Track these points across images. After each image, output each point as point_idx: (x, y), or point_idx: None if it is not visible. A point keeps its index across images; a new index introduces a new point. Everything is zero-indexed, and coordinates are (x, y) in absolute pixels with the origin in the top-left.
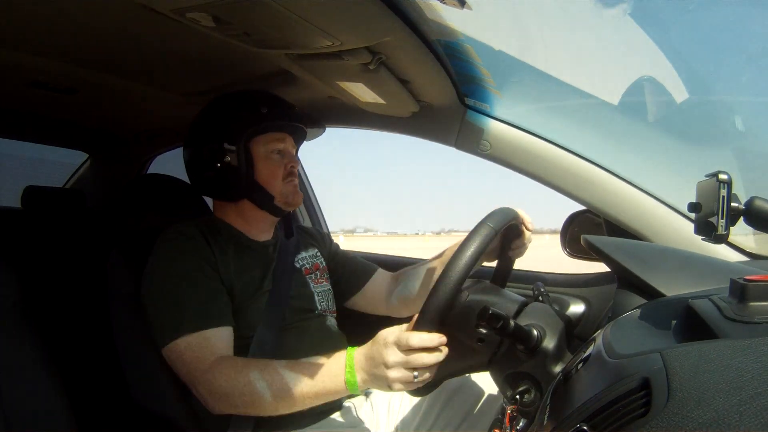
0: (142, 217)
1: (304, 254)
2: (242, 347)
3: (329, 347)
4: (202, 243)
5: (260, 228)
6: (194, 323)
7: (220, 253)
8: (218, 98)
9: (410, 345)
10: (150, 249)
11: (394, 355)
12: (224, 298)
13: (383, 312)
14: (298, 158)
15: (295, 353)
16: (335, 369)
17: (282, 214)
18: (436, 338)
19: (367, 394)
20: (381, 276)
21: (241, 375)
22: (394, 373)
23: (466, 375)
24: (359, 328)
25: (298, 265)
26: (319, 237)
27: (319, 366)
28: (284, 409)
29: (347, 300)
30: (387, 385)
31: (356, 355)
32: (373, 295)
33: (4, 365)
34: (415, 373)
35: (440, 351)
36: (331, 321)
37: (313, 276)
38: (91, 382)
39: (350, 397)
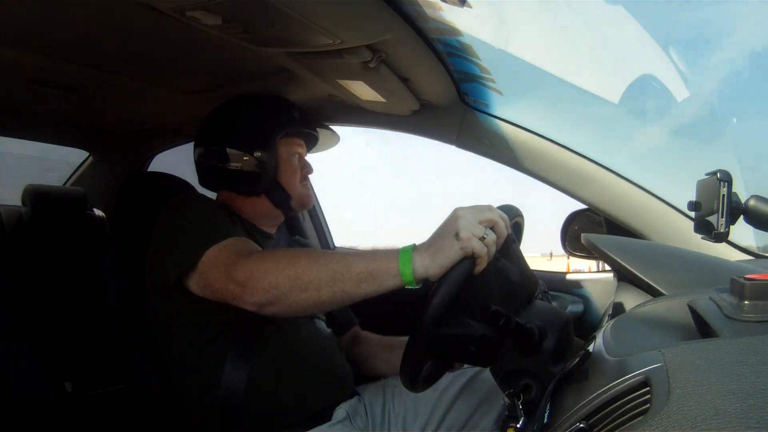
0: (140, 214)
1: None
2: (224, 336)
3: (328, 350)
4: (217, 208)
5: (266, 223)
6: (226, 233)
7: (238, 223)
8: (246, 98)
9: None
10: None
11: (472, 214)
12: None
13: None
14: None
15: (289, 353)
16: (390, 251)
17: (292, 213)
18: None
19: (360, 398)
20: (353, 330)
21: (284, 252)
22: (464, 228)
23: (468, 376)
24: None
25: None
26: None
27: (371, 251)
28: (326, 290)
29: None
30: (453, 242)
31: (417, 244)
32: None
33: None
34: (487, 231)
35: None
36: (322, 324)
37: None
38: (87, 377)
39: (345, 396)
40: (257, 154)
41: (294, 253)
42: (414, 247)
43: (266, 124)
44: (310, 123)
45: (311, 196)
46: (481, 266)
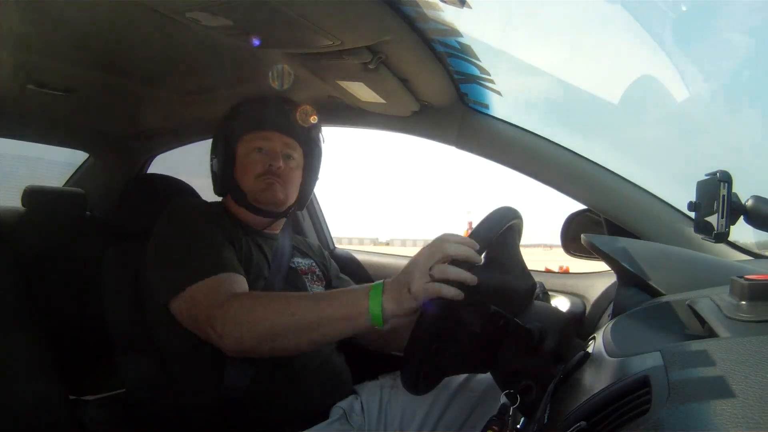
0: (140, 216)
1: (299, 260)
2: None
3: (326, 350)
4: (212, 214)
5: (260, 224)
6: (209, 269)
7: (232, 227)
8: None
9: (448, 243)
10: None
11: (424, 259)
12: (235, 255)
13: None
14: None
15: (290, 359)
16: (359, 292)
17: (260, 212)
18: (471, 245)
19: (357, 396)
20: None
21: (257, 302)
22: (415, 282)
23: (466, 375)
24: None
25: (293, 266)
26: (319, 253)
27: (342, 292)
28: (298, 337)
29: None
30: (407, 295)
31: (385, 281)
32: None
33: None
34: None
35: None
36: None
37: (308, 277)
38: (88, 381)
39: (343, 396)
40: (212, 156)
41: (268, 300)
42: (384, 288)
43: (220, 127)
44: (260, 113)
45: (270, 190)
46: (455, 298)
